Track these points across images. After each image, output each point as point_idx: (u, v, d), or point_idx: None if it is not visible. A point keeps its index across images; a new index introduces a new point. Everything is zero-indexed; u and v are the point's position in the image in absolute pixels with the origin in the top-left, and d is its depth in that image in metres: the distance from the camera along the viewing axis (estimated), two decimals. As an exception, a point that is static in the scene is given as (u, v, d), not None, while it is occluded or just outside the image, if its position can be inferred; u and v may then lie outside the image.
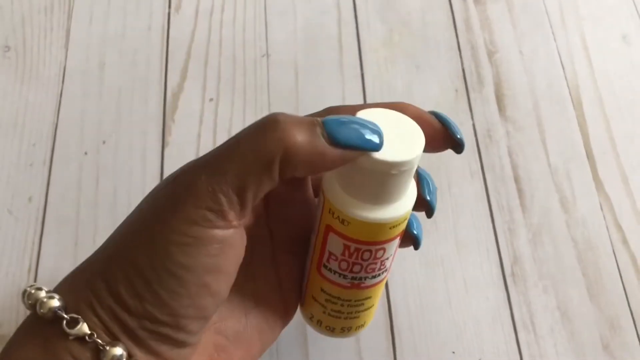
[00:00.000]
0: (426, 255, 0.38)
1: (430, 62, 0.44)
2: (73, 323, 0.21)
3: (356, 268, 0.25)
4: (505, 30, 0.46)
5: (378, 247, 0.24)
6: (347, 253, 0.25)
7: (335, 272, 0.26)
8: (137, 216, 0.23)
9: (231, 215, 0.22)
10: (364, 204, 0.23)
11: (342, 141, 0.21)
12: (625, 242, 0.39)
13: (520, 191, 0.40)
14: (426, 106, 0.42)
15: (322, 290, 0.27)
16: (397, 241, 0.25)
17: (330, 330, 0.29)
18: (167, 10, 0.45)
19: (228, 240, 0.22)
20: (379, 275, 0.26)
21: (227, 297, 0.24)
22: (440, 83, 0.43)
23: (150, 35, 0.44)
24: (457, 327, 0.36)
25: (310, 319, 0.29)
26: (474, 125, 0.42)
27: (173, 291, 0.21)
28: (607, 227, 0.39)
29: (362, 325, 0.29)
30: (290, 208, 0.27)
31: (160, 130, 0.41)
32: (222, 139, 0.40)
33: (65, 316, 0.21)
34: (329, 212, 0.24)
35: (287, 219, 0.28)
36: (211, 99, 0.42)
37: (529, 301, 0.37)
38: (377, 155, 0.22)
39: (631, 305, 0.37)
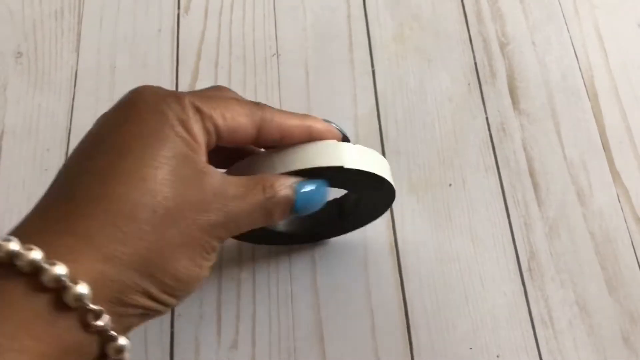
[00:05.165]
0: (441, 252, 0.38)
1: (442, 55, 0.44)
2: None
3: None
4: (517, 21, 0.45)
5: None
6: None
7: None
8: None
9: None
10: None
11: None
12: (644, 233, 0.38)
13: (535, 185, 0.39)
14: (439, 100, 0.42)
15: None
16: None
17: None
18: (176, 12, 0.45)
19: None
20: None
21: None
22: (452, 77, 0.43)
23: (160, 37, 0.44)
24: (474, 323, 0.36)
25: None
26: (487, 119, 0.41)
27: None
28: (625, 219, 0.38)
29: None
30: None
31: (173, 132, 0.41)
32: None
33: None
34: None
35: None
36: (222, 100, 0.42)
37: (546, 296, 0.36)
38: None
39: (651, 298, 0.36)
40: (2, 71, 0.43)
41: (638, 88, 0.43)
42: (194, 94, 0.26)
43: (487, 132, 0.41)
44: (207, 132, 0.25)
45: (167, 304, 0.25)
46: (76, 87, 0.43)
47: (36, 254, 0.21)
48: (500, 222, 0.38)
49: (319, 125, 0.28)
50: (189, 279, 0.25)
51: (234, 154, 0.30)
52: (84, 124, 0.41)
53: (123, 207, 0.23)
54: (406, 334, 0.35)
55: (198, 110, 0.25)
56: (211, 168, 0.25)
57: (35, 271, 0.20)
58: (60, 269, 0.21)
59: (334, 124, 0.29)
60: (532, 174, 0.40)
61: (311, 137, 0.28)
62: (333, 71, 0.43)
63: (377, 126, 0.41)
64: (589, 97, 0.42)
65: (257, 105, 0.27)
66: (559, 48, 0.44)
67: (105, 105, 0.42)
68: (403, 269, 0.37)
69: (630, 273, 0.37)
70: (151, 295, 0.23)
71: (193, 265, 0.24)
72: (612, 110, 0.42)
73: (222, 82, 0.43)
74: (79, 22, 0.45)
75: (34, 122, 0.42)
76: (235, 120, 0.26)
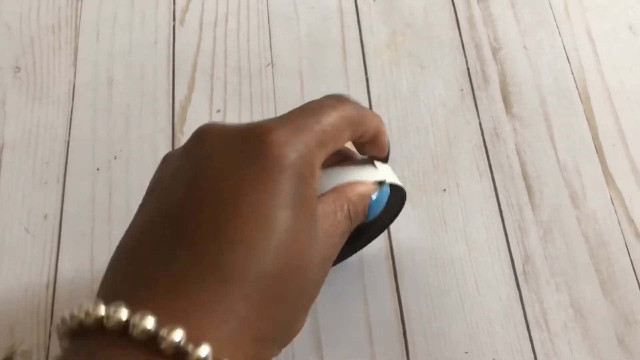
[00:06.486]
0: (436, 257, 0.38)
1: (435, 62, 0.44)
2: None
3: None
4: (509, 26, 0.45)
5: None
6: None
7: None
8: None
9: None
10: None
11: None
12: (638, 235, 0.38)
13: (529, 188, 0.40)
14: (433, 106, 0.42)
15: None
16: None
17: None
18: (172, 24, 0.46)
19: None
20: None
21: None
22: (445, 83, 0.43)
23: (156, 49, 0.45)
24: (470, 328, 0.36)
25: None
26: (480, 124, 0.42)
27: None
28: (619, 222, 0.39)
29: None
30: None
31: (170, 143, 0.42)
32: (230, 149, 0.41)
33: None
34: None
35: None
36: (218, 110, 0.43)
37: (541, 299, 0.37)
38: None
39: (645, 300, 0.37)
40: (0, 86, 0.44)
41: (630, 90, 0.43)
42: (289, 122, 0.23)
43: (481, 137, 0.41)
44: (323, 148, 0.24)
45: (276, 354, 0.24)
46: (74, 101, 0.43)
47: (150, 322, 0.19)
48: (495, 227, 0.39)
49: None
50: (297, 330, 0.24)
51: None
52: (82, 137, 0.42)
53: (230, 272, 0.21)
54: (402, 339, 0.36)
55: (321, 144, 0.23)
56: (314, 198, 0.24)
57: (151, 339, 0.19)
58: (177, 335, 0.19)
59: None
60: (525, 178, 0.40)
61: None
62: (327, 80, 0.44)
63: (372, 133, 0.42)
64: (581, 101, 0.43)
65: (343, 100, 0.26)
66: (551, 52, 0.44)
67: (103, 117, 0.43)
68: (399, 275, 0.37)
69: (624, 275, 0.37)
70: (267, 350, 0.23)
71: (306, 315, 0.24)
72: (605, 113, 0.42)
73: (217, 93, 0.43)
74: (76, 36, 0.46)
75: (33, 136, 0.42)
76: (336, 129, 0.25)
